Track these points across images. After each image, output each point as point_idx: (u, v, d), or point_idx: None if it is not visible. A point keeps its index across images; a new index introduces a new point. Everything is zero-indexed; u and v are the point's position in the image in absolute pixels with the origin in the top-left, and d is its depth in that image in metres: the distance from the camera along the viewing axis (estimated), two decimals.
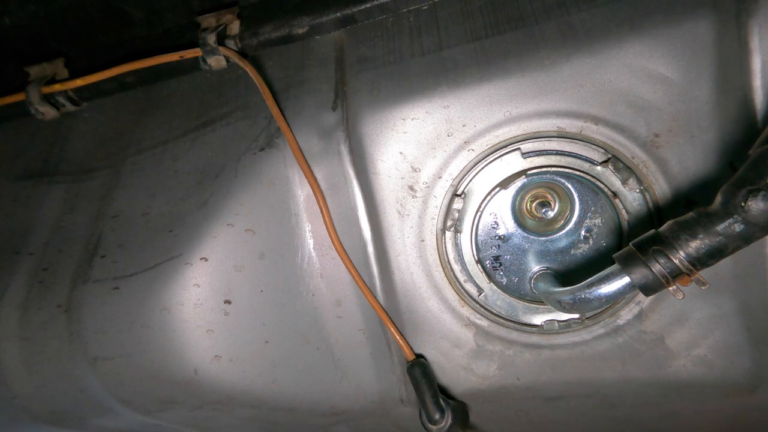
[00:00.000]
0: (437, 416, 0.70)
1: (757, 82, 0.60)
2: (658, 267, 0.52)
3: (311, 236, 0.74)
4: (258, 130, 0.76)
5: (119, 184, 0.83)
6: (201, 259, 0.72)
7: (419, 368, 0.72)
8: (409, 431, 0.84)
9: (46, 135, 0.95)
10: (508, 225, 0.71)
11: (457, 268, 0.71)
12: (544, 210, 0.69)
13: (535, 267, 0.71)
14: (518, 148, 0.67)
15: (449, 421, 0.70)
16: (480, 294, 0.71)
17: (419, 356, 0.75)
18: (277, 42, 0.80)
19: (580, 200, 0.68)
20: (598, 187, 0.66)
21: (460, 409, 0.73)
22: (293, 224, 0.74)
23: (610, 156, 0.65)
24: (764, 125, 0.59)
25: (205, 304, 0.72)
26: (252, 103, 0.79)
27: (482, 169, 0.69)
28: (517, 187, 0.69)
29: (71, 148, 0.92)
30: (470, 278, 0.71)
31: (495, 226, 0.71)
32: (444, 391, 0.75)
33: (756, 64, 0.59)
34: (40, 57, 0.92)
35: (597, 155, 0.65)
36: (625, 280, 0.55)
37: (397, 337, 0.74)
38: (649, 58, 0.62)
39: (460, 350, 0.74)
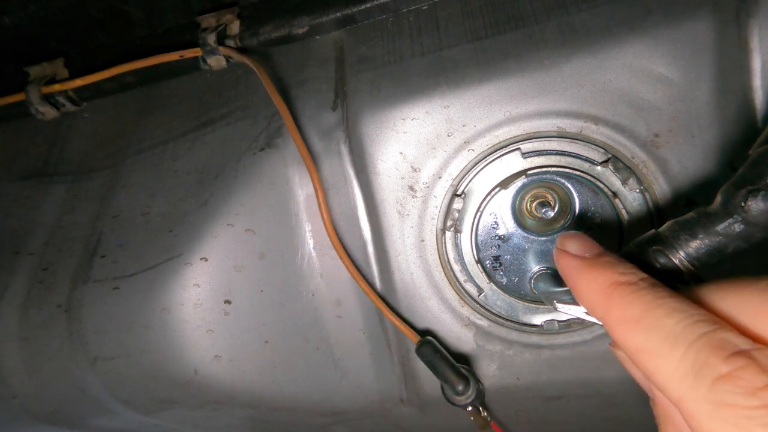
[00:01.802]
0: (461, 387, 0.68)
1: (757, 82, 0.60)
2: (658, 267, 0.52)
3: (311, 236, 0.74)
4: (258, 130, 0.76)
5: (119, 184, 0.83)
6: (201, 259, 0.72)
7: (428, 346, 0.70)
8: (409, 431, 0.84)
9: (46, 135, 0.95)
10: (508, 225, 0.71)
11: (457, 268, 0.71)
12: (544, 210, 0.69)
13: (535, 267, 0.71)
14: (518, 148, 0.67)
15: (476, 388, 0.69)
16: (480, 294, 0.71)
17: (424, 334, 0.73)
18: (277, 42, 0.80)
19: (580, 200, 0.68)
20: (598, 187, 0.66)
21: (477, 378, 0.73)
22: (293, 224, 0.74)
23: (610, 156, 0.65)
24: (764, 125, 0.59)
25: (205, 304, 0.72)
26: (252, 103, 0.79)
27: (482, 169, 0.69)
28: (517, 187, 0.69)
29: (71, 148, 0.92)
30: (470, 278, 0.71)
31: (495, 226, 0.71)
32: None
33: (756, 64, 0.59)
34: (40, 57, 0.92)
35: (597, 155, 0.65)
36: None
37: (398, 323, 0.72)
38: (649, 58, 0.62)
39: (460, 350, 0.74)
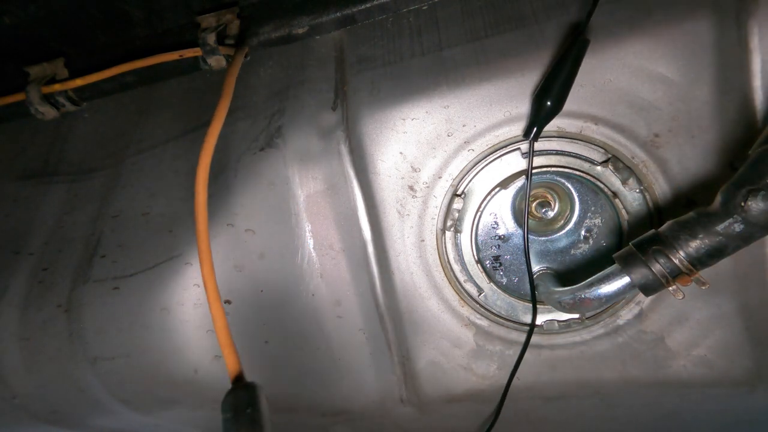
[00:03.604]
0: None
1: (757, 82, 0.60)
2: (658, 267, 0.52)
3: (311, 236, 0.74)
4: (258, 130, 0.76)
5: (119, 184, 0.83)
6: None
7: (244, 393, 0.46)
8: (409, 431, 0.84)
9: (46, 135, 0.95)
10: (508, 225, 0.71)
11: (457, 268, 0.71)
12: (544, 210, 0.69)
13: (535, 267, 0.71)
14: (518, 148, 0.67)
15: None
16: (480, 294, 0.71)
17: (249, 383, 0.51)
18: (277, 42, 0.80)
19: (580, 200, 0.68)
20: (598, 187, 0.66)
21: None
22: (293, 224, 0.74)
23: (610, 156, 0.65)
24: (764, 125, 0.59)
25: (205, 304, 0.72)
26: (252, 103, 0.79)
27: (482, 169, 0.69)
28: (517, 187, 0.69)
29: (71, 148, 0.92)
30: (470, 278, 0.71)
31: (495, 226, 0.71)
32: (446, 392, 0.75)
33: (756, 64, 0.59)
34: (40, 57, 0.92)
35: (597, 155, 0.65)
36: (625, 280, 0.55)
37: (228, 351, 0.53)
38: (649, 58, 0.62)
39: (460, 350, 0.74)
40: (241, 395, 0.47)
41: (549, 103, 0.60)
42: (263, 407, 0.46)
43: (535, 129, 0.62)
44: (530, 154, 0.64)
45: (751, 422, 0.74)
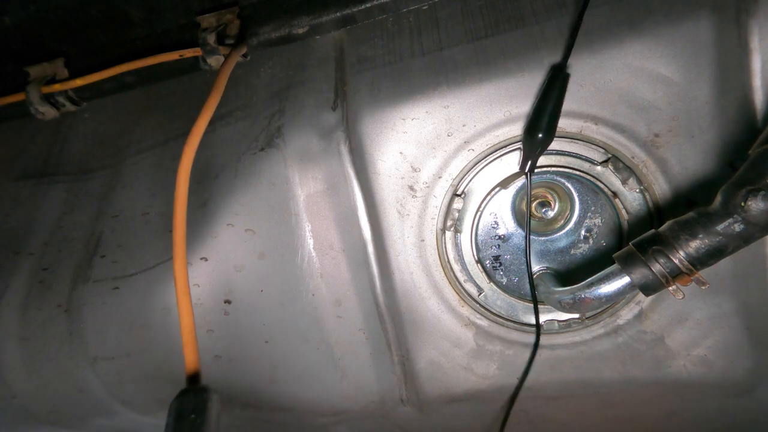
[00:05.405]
0: None
1: (757, 82, 0.60)
2: (658, 267, 0.52)
3: (311, 236, 0.74)
4: (258, 130, 0.76)
5: (119, 184, 0.83)
6: (201, 259, 0.72)
7: (192, 398, 0.43)
8: (409, 431, 0.84)
9: (46, 135, 0.95)
10: (508, 225, 0.71)
11: (457, 267, 0.71)
12: (544, 210, 0.69)
13: (535, 267, 0.71)
14: (518, 148, 0.67)
15: None
16: (480, 294, 0.71)
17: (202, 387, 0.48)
18: (277, 42, 0.80)
19: (580, 200, 0.68)
20: (598, 187, 0.66)
21: None
22: (293, 224, 0.74)
23: (610, 156, 0.65)
24: (764, 125, 0.59)
25: (205, 304, 0.72)
26: (252, 103, 0.79)
27: (482, 169, 0.69)
28: (517, 187, 0.69)
29: (71, 148, 0.92)
30: (470, 278, 0.71)
31: (495, 226, 0.71)
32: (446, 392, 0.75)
33: (756, 64, 0.59)
34: (40, 57, 0.92)
35: (597, 155, 0.65)
36: (625, 280, 0.55)
37: (190, 347, 0.51)
38: (649, 58, 0.62)
39: (460, 350, 0.74)
40: (189, 400, 0.45)
41: (540, 135, 0.61)
42: (211, 414, 0.44)
43: (530, 162, 0.64)
44: (528, 185, 0.65)
45: (751, 422, 0.74)
